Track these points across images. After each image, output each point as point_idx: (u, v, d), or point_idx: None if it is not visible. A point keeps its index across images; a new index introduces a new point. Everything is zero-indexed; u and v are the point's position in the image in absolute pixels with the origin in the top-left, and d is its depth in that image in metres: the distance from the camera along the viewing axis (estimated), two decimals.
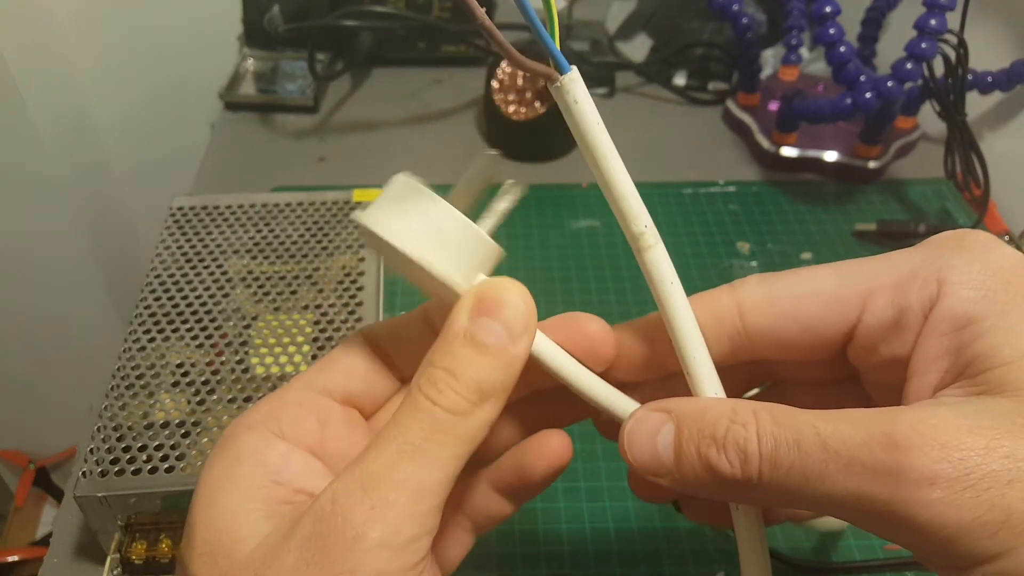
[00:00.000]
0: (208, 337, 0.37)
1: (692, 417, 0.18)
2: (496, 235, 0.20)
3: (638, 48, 0.73)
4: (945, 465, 0.14)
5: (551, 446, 0.22)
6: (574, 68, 0.19)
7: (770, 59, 0.70)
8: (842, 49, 0.49)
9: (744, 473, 0.17)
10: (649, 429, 0.19)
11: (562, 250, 0.52)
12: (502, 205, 0.21)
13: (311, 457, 0.19)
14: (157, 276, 0.40)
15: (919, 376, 0.17)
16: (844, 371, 0.20)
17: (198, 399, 0.34)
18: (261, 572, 0.16)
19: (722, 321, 0.20)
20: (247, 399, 0.34)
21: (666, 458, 0.18)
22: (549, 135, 0.60)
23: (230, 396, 0.34)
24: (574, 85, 0.19)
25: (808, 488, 0.16)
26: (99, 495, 0.31)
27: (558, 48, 0.18)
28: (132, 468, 0.31)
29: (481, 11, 0.17)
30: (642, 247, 0.20)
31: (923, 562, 0.16)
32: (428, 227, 0.19)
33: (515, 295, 0.19)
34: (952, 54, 0.50)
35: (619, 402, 0.21)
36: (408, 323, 0.22)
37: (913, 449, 0.14)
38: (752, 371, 0.22)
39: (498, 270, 0.20)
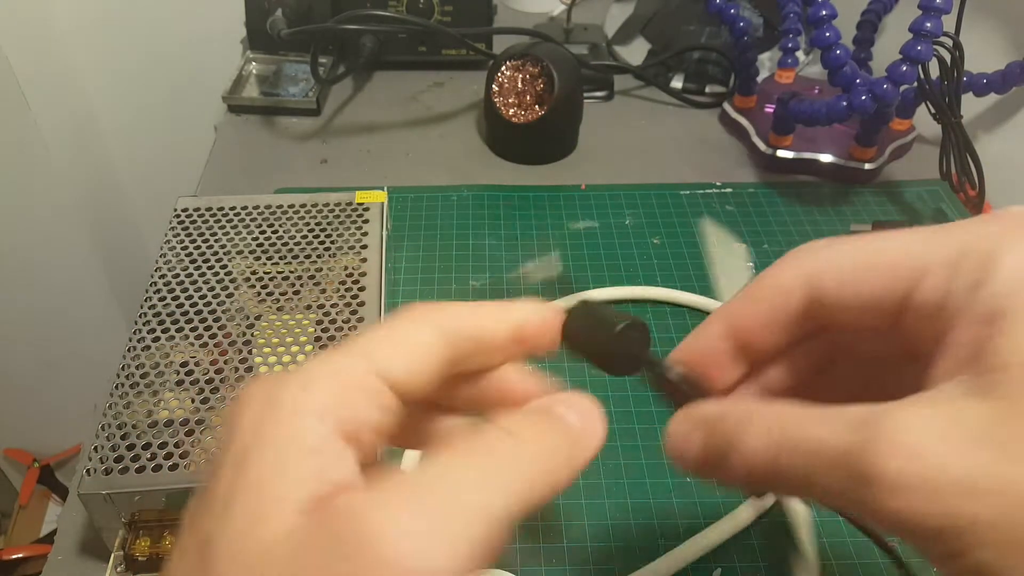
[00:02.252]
0: (212, 336, 0.37)
1: (711, 424, 0.20)
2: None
3: (636, 51, 0.73)
4: (911, 475, 0.15)
5: None
6: None
7: (766, 62, 0.70)
8: (838, 52, 0.49)
9: (753, 477, 0.19)
10: (683, 435, 0.21)
11: (562, 251, 0.53)
12: None
13: (355, 459, 0.18)
14: (162, 276, 0.40)
15: (940, 361, 0.18)
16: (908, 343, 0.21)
17: (202, 398, 0.35)
18: (290, 567, 0.15)
19: (789, 292, 0.21)
20: None
21: (696, 460, 0.20)
22: (549, 137, 0.61)
23: (233, 395, 0.35)
24: None
25: (806, 487, 0.17)
26: (103, 493, 0.31)
27: None
28: (136, 466, 0.32)
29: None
30: None
31: (914, 549, 0.18)
32: None
33: (597, 412, 0.20)
34: (948, 56, 0.50)
35: None
36: (492, 327, 0.21)
37: (882, 456, 0.16)
38: (827, 345, 0.23)
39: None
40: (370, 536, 0.15)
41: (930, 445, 0.15)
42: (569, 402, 0.20)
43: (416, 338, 0.20)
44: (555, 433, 0.19)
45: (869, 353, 0.22)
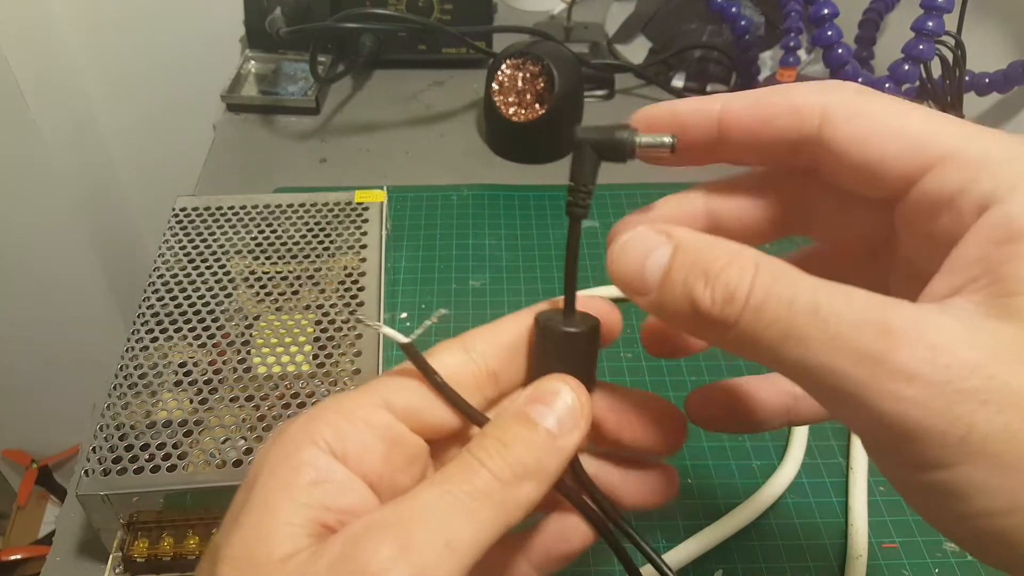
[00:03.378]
0: (210, 336, 0.37)
1: (693, 247, 0.18)
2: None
3: (637, 50, 0.73)
4: (929, 368, 0.14)
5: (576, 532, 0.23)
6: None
7: (768, 61, 0.70)
8: (840, 51, 0.49)
9: (723, 314, 0.17)
10: (644, 247, 0.18)
11: (562, 250, 0.52)
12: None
13: (368, 489, 0.19)
14: (160, 276, 0.40)
15: (946, 275, 0.17)
16: (879, 238, 0.20)
17: (200, 398, 0.34)
18: None
19: (800, 115, 0.19)
20: (249, 398, 0.34)
21: (652, 279, 0.18)
22: (549, 136, 0.61)
23: (232, 395, 0.35)
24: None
25: (783, 348, 0.16)
26: (101, 493, 0.31)
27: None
28: (134, 467, 0.32)
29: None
30: None
31: (872, 453, 0.16)
32: None
33: (570, 392, 0.20)
34: (950, 56, 0.50)
35: None
36: (513, 334, 0.22)
37: (905, 343, 0.14)
38: (794, 212, 0.21)
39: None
40: (363, 567, 0.16)
41: (957, 349, 0.14)
42: (548, 396, 0.20)
43: (436, 365, 0.20)
44: (528, 445, 0.19)
45: (842, 239, 0.21)
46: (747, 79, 0.63)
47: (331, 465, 0.18)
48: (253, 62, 0.70)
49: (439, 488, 0.18)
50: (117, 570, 0.33)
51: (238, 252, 0.42)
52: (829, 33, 0.49)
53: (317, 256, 0.42)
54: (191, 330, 0.37)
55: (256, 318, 0.38)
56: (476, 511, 0.18)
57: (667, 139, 0.19)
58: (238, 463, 0.32)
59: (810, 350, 0.15)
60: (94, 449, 0.32)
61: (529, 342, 0.22)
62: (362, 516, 0.18)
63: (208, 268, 0.41)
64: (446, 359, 0.21)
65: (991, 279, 0.15)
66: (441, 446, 0.21)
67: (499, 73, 0.59)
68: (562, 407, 0.20)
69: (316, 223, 0.44)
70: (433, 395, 0.20)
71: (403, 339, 0.20)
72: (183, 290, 0.40)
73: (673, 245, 0.18)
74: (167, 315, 0.38)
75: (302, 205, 0.45)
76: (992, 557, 0.15)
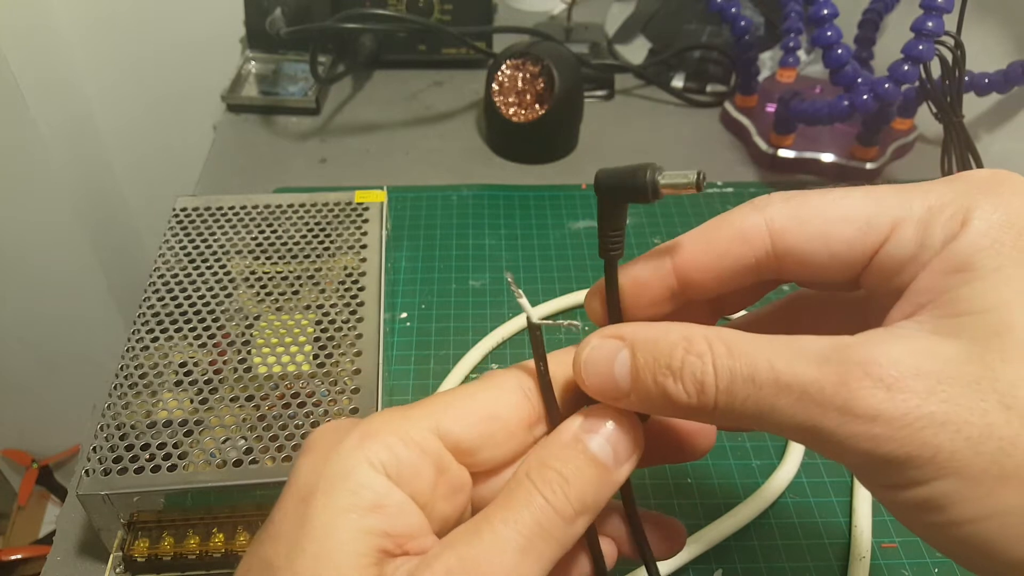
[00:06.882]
0: (211, 336, 0.37)
1: (647, 345, 0.19)
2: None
3: (637, 50, 0.73)
4: (888, 405, 0.16)
5: None
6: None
7: (768, 61, 0.70)
8: (839, 51, 0.49)
9: (700, 402, 0.18)
10: (605, 357, 0.20)
11: (562, 250, 0.52)
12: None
13: (421, 513, 0.19)
14: (160, 276, 0.40)
15: (901, 304, 0.18)
16: (854, 289, 0.21)
17: (200, 398, 0.34)
18: None
19: (749, 242, 0.20)
20: (249, 398, 0.34)
21: (623, 384, 0.19)
22: (549, 137, 0.61)
23: (232, 395, 0.35)
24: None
25: (761, 417, 0.17)
26: (102, 493, 0.31)
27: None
28: (135, 466, 0.32)
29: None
30: None
31: (858, 478, 0.18)
32: None
33: (625, 422, 0.20)
34: (949, 56, 0.50)
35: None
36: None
37: (862, 389, 0.16)
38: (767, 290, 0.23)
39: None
40: None
41: (907, 379, 0.16)
42: (597, 425, 0.20)
43: (493, 402, 0.20)
44: (587, 481, 0.19)
45: (813, 303, 0.22)
46: (747, 79, 0.63)
47: (389, 488, 0.18)
48: (253, 62, 0.70)
49: (511, 530, 0.18)
50: (117, 570, 0.33)
51: (238, 252, 0.42)
52: (829, 33, 0.49)
53: (317, 256, 0.42)
54: (191, 330, 0.37)
55: (256, 318, 0.38)
56: (544, 552, 0.18)
57: (691, 176, 0.19)
58: (238, 463, 0.32)
59: (784, 415, 0.17)
60: (94, 449, 0.32)
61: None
62: (417, 540, 0.18)
63: (208, 268, 0.41)
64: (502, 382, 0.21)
65: (939, 302, 0.17)
66: (481, 477, 0.21)
67: (499, 73, 0.59)
68: (617, 437, 0.20)
69: (316, 223, 0.44)
70: (488, 433, 0.20)
71: (534, 319, 0.20)
72: (183, 290, 0.40)
73: (628, 346, 0.19)
74: (167, 315, 0.38)
75: (302, 205, 0.45)
76: (973, 563, 0.16)
